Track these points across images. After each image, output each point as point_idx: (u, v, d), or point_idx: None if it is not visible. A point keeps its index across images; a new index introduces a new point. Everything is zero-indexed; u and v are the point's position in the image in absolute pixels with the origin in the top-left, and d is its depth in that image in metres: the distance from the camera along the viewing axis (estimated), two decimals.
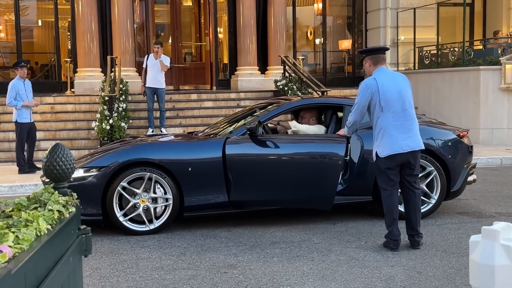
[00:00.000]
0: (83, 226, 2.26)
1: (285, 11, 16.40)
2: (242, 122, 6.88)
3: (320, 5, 18.01)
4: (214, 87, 16.51)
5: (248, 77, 15.78)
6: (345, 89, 16.06)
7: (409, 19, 16.42)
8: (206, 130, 7.35)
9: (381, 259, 5.08)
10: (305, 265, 4.95)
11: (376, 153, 5.38)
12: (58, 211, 1.93)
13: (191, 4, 18.24)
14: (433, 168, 6.50)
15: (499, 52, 13.87)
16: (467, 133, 6.96)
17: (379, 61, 5.45)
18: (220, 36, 17.39)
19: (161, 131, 12.26)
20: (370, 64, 5.47)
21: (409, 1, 16.57)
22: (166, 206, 6.14)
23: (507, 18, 17.79)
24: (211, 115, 13.85)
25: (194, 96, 14.78)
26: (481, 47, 15.19)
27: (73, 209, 2.07)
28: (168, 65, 12.66)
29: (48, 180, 2.26)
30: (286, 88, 14.37)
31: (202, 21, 17.62)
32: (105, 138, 11.87)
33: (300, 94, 13.96)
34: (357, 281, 4.51)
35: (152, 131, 12.31)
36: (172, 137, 7.34)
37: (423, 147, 5.46)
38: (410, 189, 5.42)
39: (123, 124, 12.13)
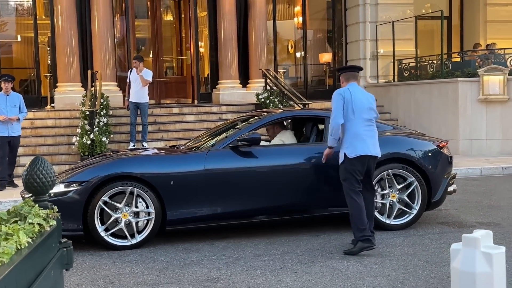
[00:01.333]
0: (64, 240, 2.24)
1: (266, 25, 16.47)
2: (224, 135, 6.88)
3: (301, 18, 18.14)
4: (196, 101, 16.50)
5: (230, 90, 15.80)
6: (326, 101, 16.05)
7: (388, 32, 16.59)
8: (188, 144, 7.34)
9: (364, 270, 5.09)
10: (288, 277, 4.95)
11: (345, 154, 5.67)
12: (39, 224, 1.91)
13: (171, 18, 18.27)
14: (414, 178, 6.55)
15: (477, 64, 14.06)
16: (447, 143, 7.04)
17: (350, 78, 5.94)
18: (201, 50, 17.41)
19: (143, 145, 12.21)
20: (343, 81, 5.97)
21: (387, 15, 16.76)
22: (148, 220, 6.11)
23: (484, 30, 18.06)
24: (193, 129, 13.83)
25: (175, 110, 14.75)
26: (459, 59, 15.38)
27: (54, 222, 2.05)
28: (150, 79, 12.58)
29: (29, 195, 2.25)
30: (267, 101, 14.41)
31: (183, 35, 17.63)
32: (86, 153, 11.80)
33: (281, 107, 14.01)
34: None
35: (134, 145, 12.24)
36: (154, 150, 7.32)
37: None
38: (367, 190, 5.77)
39: (104, 138, 12.06)
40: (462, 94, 13.53)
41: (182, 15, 17.69)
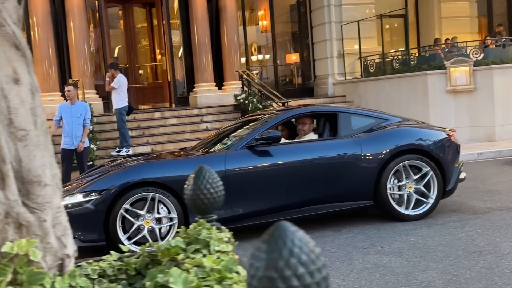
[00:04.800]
0: None
1: (237, 30, 15.97)
2: (239, 134, 6.34)
3: (266, 22, 17.74)
4: (173, 105, 15.87)
5: (207, 93, 15.23)
6: (298, 99, 15.69)
7: (352, 31, 16.31)
8: (199, 145, 6.77)
9: (407, 264, 4.65)
10: (335, 276, 4.47)
11: None
12: (226, 252, 1.38)
13: (145, 25, 17.51)
14: (429, 168, 6.16)
15: (442, 57, 13.91)
16: (455, 132, 6.70)
17: None
18: (176, 55, 16.75)
19: (117, 152, 11.32)
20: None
21: (351, 15, 16.47)
22: (170, 226, 5.53)
23: (439, 26, 18.03)
24: (176, 132, 13.22)
25: (157, 115, 14.07)
26: (422, 53, 15.24)
27: (231, 247, 1.52)
28: (114, 85, 11.32)
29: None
30: (246, 102, 13.90)
31: (157, 42, 16.96)
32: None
33: (260, 106, 13.52)
34: None
35: (127, 151, 11.38)
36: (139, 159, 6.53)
37: None
38: None
39: (92, 146, 11.32)
40: (431, 86, 13.35)
41: (155, 23, 17.01)
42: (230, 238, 1.51)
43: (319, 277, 0.71)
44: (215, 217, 1.71)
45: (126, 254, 1.59)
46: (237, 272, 1.14)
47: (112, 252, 1.62)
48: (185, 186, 1.71)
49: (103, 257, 1.63)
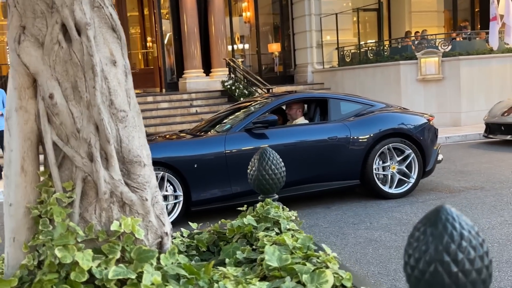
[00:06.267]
0: None
1: (224, 20, 15.81)
2: (236, 118, 6.28)
3: (252, 14, 17.58)
4: (164, 90, 15.69)
5: (195, 79, 15.10)
6: (280, 86, 15.65)
7: (330, 23, 16.30)
8: (197, 128, 6.70)
9: (397, 238, 4.70)
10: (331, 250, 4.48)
11: None
12: (298, 230, 1.35)
13: (137, 13, 17.21)
14: (411, 151, 6.22)
15: (413, 48, 13.99)
16: (434, 118, 6.76)
17: None
18: (166, 42, 16.53)
19: None
20: None
21: (330, 7, 16.42)
22: (175, 203, 5.49)
23: (409, 20, 18.11)
24: (168, 115, 13.08)
25: (150, 99, 13.90)
26: (395, 45, 15.31)
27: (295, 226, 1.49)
28: None
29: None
30: (233, 88, 13.82)
31: (148, 30, 16.69)
32: None
33: (246, 92, 13.46)
34: (393, 262, 4.11)
35: None
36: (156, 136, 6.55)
37: None
38: None
39: None
40: (403, 75, 13.43)
41: (145, 12, 16.73)
42: (296, 217, 1.49)
43: (487, 261, 0.69)
44: (276, 196, 1.68)
45: (195, 231, 1.55)
46: (320, 250, 1.11)
47: (182, 229, 1.59)
48: (249, 167, 1.67)
49: (174, 234, 1.59)
